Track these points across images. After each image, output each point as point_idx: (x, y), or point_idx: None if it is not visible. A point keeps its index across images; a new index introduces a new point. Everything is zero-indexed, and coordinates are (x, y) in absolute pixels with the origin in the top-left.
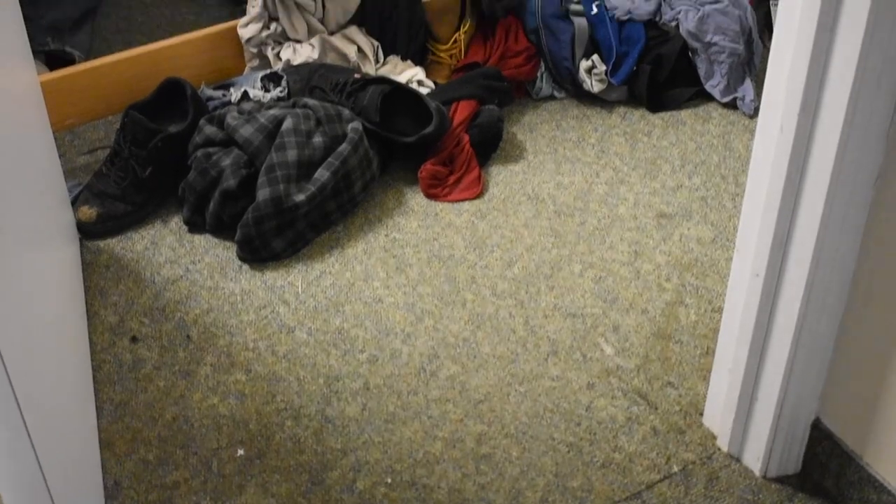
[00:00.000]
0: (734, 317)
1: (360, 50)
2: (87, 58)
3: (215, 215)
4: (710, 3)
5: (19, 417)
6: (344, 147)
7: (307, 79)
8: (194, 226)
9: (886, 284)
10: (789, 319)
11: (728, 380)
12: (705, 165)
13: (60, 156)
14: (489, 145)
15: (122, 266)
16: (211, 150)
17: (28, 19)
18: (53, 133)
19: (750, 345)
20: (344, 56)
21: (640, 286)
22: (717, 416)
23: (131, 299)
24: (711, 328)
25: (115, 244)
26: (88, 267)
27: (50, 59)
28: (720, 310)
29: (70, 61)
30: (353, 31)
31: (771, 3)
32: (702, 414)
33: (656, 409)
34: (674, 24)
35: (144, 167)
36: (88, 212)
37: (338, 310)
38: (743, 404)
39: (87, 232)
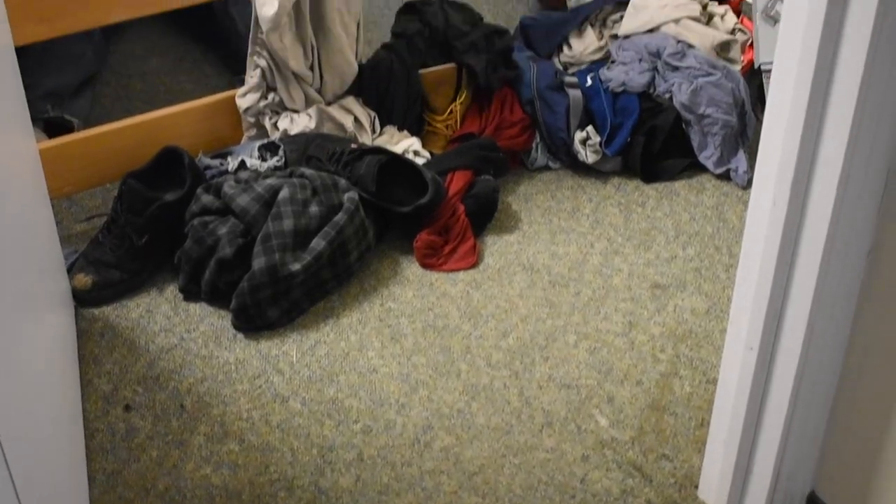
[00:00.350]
0: (728, 389)
1: (356, 120)
2: (86, 125)
3: (211, 283)
4: (703, 75)
5: (11, 488)
6: (340, 216)
7: (304, 148)
8: (190, 294)
9: (880, 357)
10: (783, 393)
11: (723, 452)
12: (699, 236)
13: (57, 223)
14: (485, 215)
15: (117, 334)
16: (207, 218)
17: (28, 87)
18: (51, 200)
19: (744, 417)
20: (341, 126)
21: (634, 357)
22: (713, 489)
23: (125, 367)
24: (706, 400)
25: (110, 312)
26: (83, 334)
27: (49, 126)
28: (715, 381)
29: (69, 129)
30: (351, 102)
31: (763, 75)
32: (697, 487)
33: (651, 481)
34: (667, 95)
35: (141, 235)
36: (84, 279)
37: (332, 379)
38: (738, 477)
39: (82, 299)
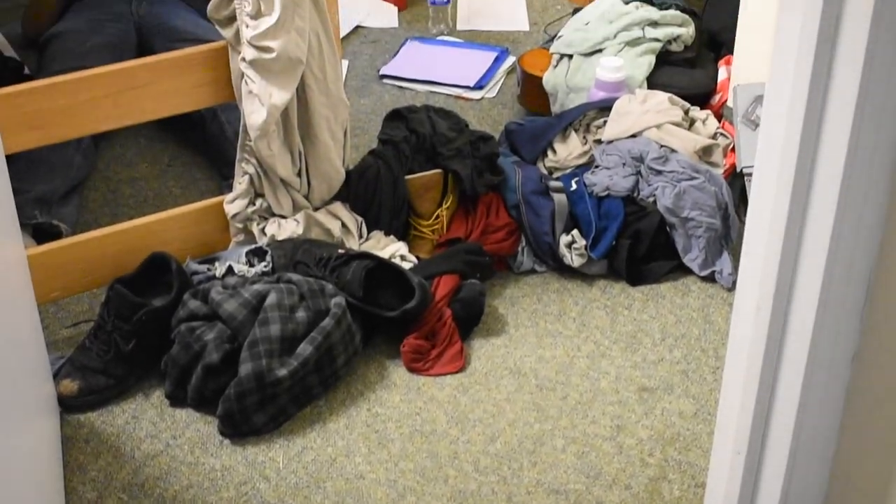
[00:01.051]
0: (717, 493)
1: (344, 225)
2: (74, 230)
3: (197, 389)
4: (687, 179)
5: None
6: (327, 322)
7: (291, 254)
8: (176, 400)
9: (866, 464)
10: (772, 497)
11: None
12: (685, 339)
13: (44, 328)
14: (471, 319)
15: (102, 440)
16: (195, 324)
17: (17, 192)
18: (38, 305)
19: None
20: (328, 231)
21: (622, 461)
22: None
23: (110, 475)
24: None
25: (95, 418)
26: (68, 441)
27: (37, 231)
28: (704, 485)
29: (57, 234)
30: (338, 207)
31: (746, 179)
32: None
33: None
34: (651, 199)
35: (127, 341)
36: (70, 385)
37: (319, 486)
38: None
39: (67, 405)
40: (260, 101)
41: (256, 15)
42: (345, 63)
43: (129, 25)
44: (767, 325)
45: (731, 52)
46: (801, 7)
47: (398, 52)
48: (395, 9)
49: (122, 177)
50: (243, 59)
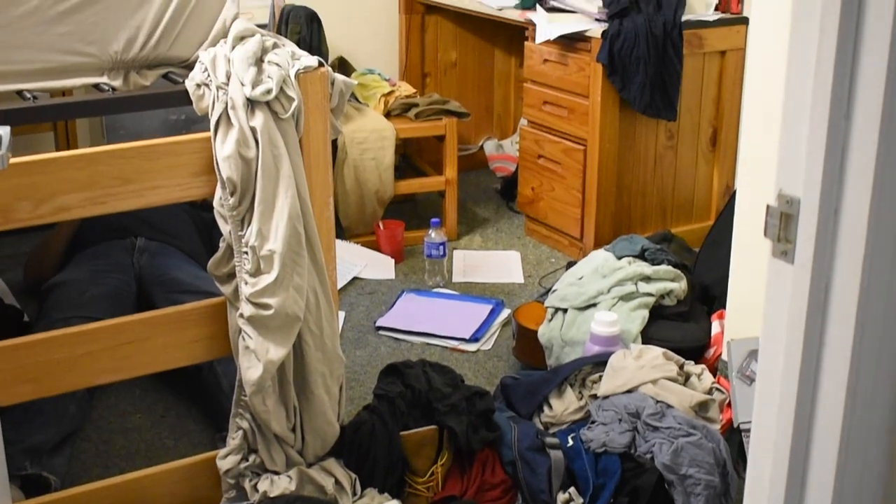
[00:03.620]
0: None
1: (337, 482)
2: (64, 482)
3: None
4: (684, 435)
5: None
6: None
7: None
8: None
9: None
10: None
11: None
12: None
13: None
14: None
15: None
16: None
17: (9, 442)
18: None
19: None
20: (321, 488)
21: None
22: None
23: None
24: None
25: None
26: None
27: (26, 483)
28: None
29: (46, 486)
30: (332, 464)
31: (743, 434)
32: None
33: None
34: (649, 455)
35: None
36: None
37: None
38: None
39: None
40: (256, 357)
41: (256, 272)
42: (341, 315)
43: (130, 276)
44: None
45: (723, 306)
46: (791, 273)
47: (394, 303)
48: (392, 261)
49: (115, 427)
50: (241, 316)
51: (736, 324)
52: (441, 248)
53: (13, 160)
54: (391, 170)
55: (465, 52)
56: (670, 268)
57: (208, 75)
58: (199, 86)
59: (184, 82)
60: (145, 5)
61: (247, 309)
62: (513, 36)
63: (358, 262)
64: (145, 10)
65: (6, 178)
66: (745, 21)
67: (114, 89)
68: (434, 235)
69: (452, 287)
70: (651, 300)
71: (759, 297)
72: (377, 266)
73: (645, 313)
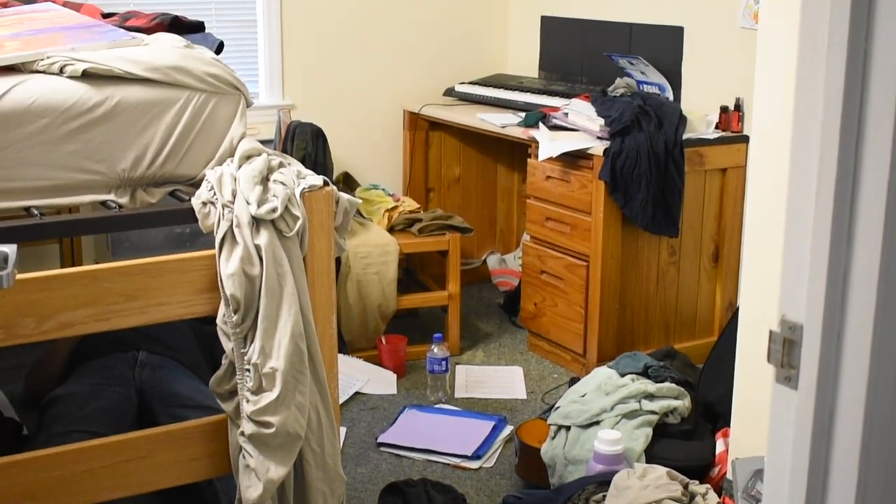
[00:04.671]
0: None
1: None
2: None
3: None
4: None
5: None
6: None
7: None
8: None
9: None
10: None
11: None
12: None
13: None
14: None
15: None
16: None
17: None
18: None
19: None
20: None
21: None
22: None
23: None
24: None
25: None
26: None
27: None
28: None
29: None
30: None
31: None
32: None
33: None
34: None
35: None
36: None
37: None
38: None
39: None
40: (257, 476)
41: (258, 390)
42: (342, 430)
43: (131, 390)
44: None
45: (728, 423)
46: (795, 399)
47: (396, 419)
48: (395, 376)
49: None
50: (242, 434)
51: (741, 441)
52: (443, 363)
53: (18, 276)
54: (394, 284)
55: (468, 167)
56: (674, 385)
57: (214, 193)
58: (204, 203)
59: (190, 200)
60: (154, 125)
61: (248, 427)
62: (515, 152)
63: (360, 376)
64: (154, 129)
65: (11, 294)
66: (746, 139)
67: (121, 206)
68: (437, 351)
69: (455, 402)
70: (655, 418)
71: (764, 415)
72: (379, 381)
73: (649, 431)
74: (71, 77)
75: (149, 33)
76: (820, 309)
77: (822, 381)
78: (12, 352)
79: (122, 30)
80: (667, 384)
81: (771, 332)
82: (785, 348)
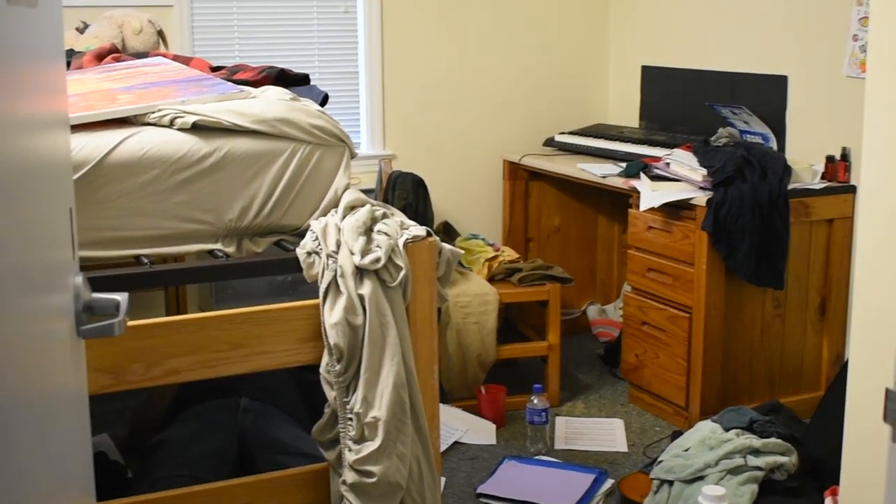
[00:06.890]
0: None
1: None
2: None
3: None
4: None
5: None
6: None
7: None
8: None
9: None
10: None
11: None
12: None
13: None
14: None
15: None
16: None
17: None
18: None
19: None
20: None
21: None
22: None
23: None
24: None
25: None
26: None
27: None
28: None
29: None
30: None
31: None
32: None
33: None
34: None
35: None
36: None
37: None
38: None
39: None
40: None
41: (360, 439)
42: (442, 480)
43: (233, 435)
44: None
45: (836, 481)
46: None
47: (496, 470)
48: (494, 426)
49: None
50: (343, 482)
51: (850, 501)
52: (543, 414)
53: (128, 323)
54: (494, 334)
55: (568, 217)
56: (780, 441)
57: (319, 244)
58: (309, 254)
59: (295, 250)
60: (260, 176)
61: (349, 476)
62: (616, 202)
63: (459, 426)
64: (260, 180)
65: (121, 341)
66: (853, 189)
67: (227, 255)
68: (536, 401)
69: (554, 454)
70: (760, 474)
71: (875, 473)
72: (478, 431)
73: (754, 488)
74: (181, 129)
75: (256, 86)
76: None
77: None
78: (117, 396)
79: (230, 83)
80: (773, 439)
81: (887, 391)
82: None
